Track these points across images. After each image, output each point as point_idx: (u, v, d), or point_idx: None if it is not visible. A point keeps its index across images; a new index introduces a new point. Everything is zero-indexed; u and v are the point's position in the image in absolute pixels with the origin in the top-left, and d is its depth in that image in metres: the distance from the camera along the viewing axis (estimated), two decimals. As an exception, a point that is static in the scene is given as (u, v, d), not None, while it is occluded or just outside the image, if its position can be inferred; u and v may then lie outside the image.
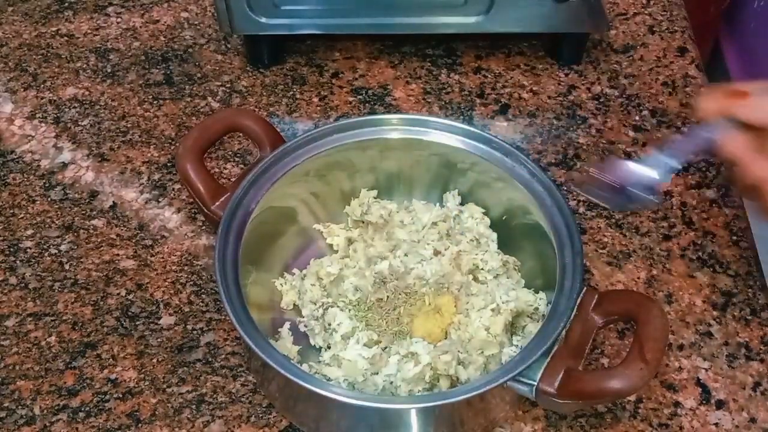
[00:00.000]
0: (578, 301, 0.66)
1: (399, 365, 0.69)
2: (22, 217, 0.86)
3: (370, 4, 0.92)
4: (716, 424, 0.72)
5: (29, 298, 0.80)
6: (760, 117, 0.63)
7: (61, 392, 0.74)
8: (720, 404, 0.73)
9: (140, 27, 1.04)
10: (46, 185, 0.89)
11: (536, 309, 0.73)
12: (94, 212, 0.86)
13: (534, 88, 0.97)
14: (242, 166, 0.90)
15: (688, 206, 0.86)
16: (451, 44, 1.01)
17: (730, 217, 0.85)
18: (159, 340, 0.77)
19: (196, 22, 1.04)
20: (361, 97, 0.96)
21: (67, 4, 1.07)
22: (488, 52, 1.00)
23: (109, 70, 0.99)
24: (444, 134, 0.77)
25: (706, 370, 0.75)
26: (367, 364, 0.69)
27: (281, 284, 0.77)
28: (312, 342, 0.74)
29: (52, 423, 0.72)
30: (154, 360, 0.76)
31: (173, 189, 0.88)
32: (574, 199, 0.87)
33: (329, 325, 0.73)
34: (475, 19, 0.93)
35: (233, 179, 0.80)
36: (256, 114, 0.87)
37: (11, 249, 0.84)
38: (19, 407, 0.73)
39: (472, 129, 0.76)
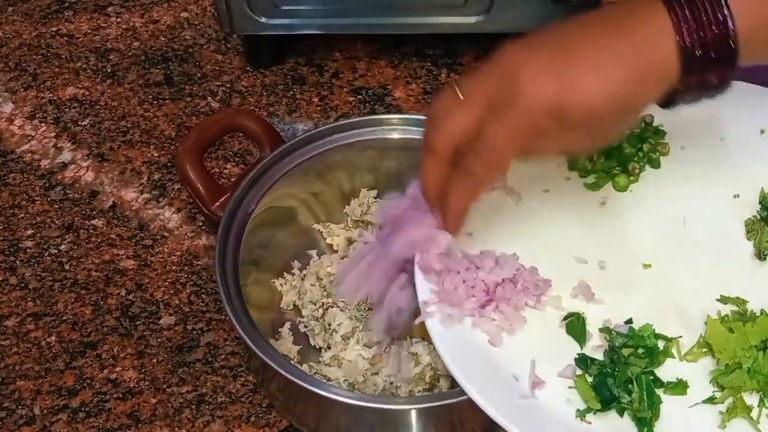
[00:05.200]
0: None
1: (399, 365, 0.69)
2: (22, 217, 0.86)
3: (370, 4, 0.92)
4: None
5: (29, 298, 0.80)
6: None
7: (61, 392, 0.74)
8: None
9: (140, 27, 1.04)
10: (46, 185, 0.89)
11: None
12: (94, 212, 0.86)
13: (534, 88, 0.96)
14: (242, 166, 0.90)
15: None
16: (451, 44, 1.01)
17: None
18: (159, 340, 0.77)
19: (196, 22, 1.04)
20: (361, 97, 0.96)
21: (67, 4, 1.07)
22: (488, 52, 1.00)
23: (109, 70, 0.99)
24: (444, 134, 0.77)
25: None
26: (367, 365, 0.70)
27: (281, 284, 0.77)
28: (312, 342, 0.74)
29: (52, 423, 0.72)
30: (154, 360, 0.76)
31: (173, 189, 0.88)
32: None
33: (329, 325, 0.73)
34: (475, 19, 0.93)
35: (233, 179, 0.80)
36: (256, 114, 0.87)
37: (11, 249, 0.83)
38: (19, 407, 0.73)
39: (472, 129, 0.76)
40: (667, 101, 0.58)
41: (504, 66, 0.58)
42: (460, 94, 0.58)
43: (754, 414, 0.58)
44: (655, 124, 0.72)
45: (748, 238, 0.67)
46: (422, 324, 0.72)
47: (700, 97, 0.58)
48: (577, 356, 0.61)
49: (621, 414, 0.58)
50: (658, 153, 0.72)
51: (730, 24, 0.54)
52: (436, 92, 0.59)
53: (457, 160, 0.59)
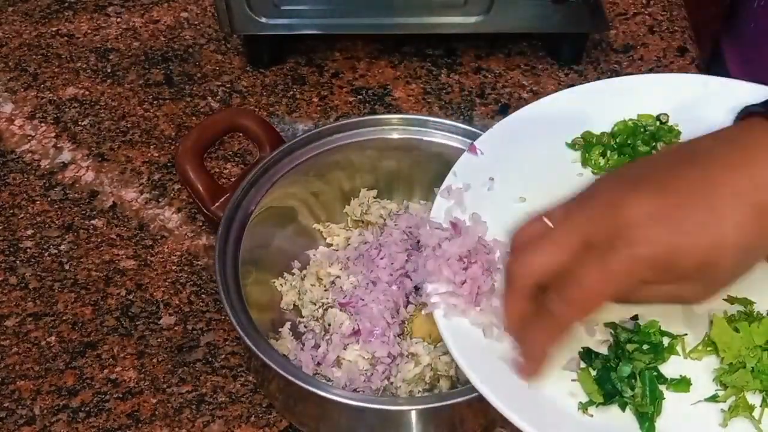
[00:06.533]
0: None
1: (399, 366, 0.69)
2: (22, 217, 0.86)
3: (370, 4, 0.92)
4: None
5: (29, 298, 0.80)
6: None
7: (61, 392, 0.74)
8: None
9: (140, 27, 1.04)
10: (46, 185, 0.89)
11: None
12: (94, 212, 0.86)
13: (534, 88, 0.97)
14: (242, 166, 0.90)
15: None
16: (451, 44, 1.01)
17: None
18: (159, 340, 0.77)
19: (196, 22, 1.04)
20: (361, 97, 0.96)
21: (67, 4, 1.07)
22: (488, 52, 1.00)
23: (109, 70, 0.99)
24: (444, 134, 0.77)
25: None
26: (367, 365, 0.70)
27: (281, 284, 0.77)
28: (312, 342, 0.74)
29: (52, 423, 0.72)
30: (154, 360, 0.76)
31: (173, 189, 0.88)
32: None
33: (329, 325, 0.73)
34: (475, 19, 0.93)
35: (233, 179, 0.80)
36: (256, 114, 0.87)
37: (11, 249, 0.84)
38: (19, 407, 0.73)
39: (472, 129, 0.76)
40: None
41: (603, 202, 0.52)
42: (549, 225, 0.54)
43: (756, 413, 0.58)
44: (670, 123, 0.72)
45: None
46: (422, 324, 0.72)
47: None
48: (581, 350, 0.61)
49: (623, 408, 0.58)
50: None
51: None
52: (523, 224, 0.58)
53: (540, 296, 0.54)
